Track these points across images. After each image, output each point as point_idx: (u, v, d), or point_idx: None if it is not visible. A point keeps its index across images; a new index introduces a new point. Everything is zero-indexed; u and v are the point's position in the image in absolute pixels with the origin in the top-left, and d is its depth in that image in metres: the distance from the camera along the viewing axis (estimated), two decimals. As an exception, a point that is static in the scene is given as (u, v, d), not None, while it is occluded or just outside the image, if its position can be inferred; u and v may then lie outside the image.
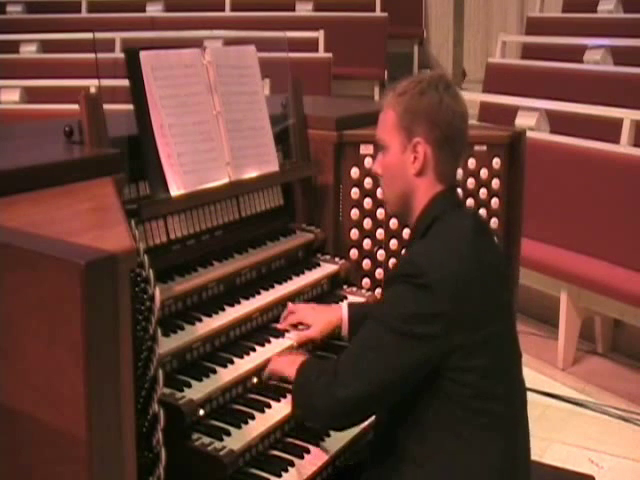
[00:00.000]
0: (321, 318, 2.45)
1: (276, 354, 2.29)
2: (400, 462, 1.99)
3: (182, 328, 2.18)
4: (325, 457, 2.14)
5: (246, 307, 2.36)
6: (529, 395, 2.12)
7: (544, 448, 3.59)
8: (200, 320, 2.23)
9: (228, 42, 5.96)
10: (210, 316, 2.26)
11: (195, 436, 1.98)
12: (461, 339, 1.89)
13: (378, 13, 8.13)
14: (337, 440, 2.20)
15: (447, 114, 2.01)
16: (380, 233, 2.85)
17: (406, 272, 1.95)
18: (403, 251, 2.83)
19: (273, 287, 2.51)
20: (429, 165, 2.03)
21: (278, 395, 2.22)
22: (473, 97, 6.05)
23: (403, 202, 2.10)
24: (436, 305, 1.88)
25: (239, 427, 2.06)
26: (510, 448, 1.99)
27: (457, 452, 1.93)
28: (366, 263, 2.86)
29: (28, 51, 7.29)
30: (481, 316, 1.94)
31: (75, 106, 2.08)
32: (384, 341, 1.92)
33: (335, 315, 2.48)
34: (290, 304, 2.50)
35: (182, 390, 2.02)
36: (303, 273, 2.65)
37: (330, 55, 6.97)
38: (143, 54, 2.28)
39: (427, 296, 1.89)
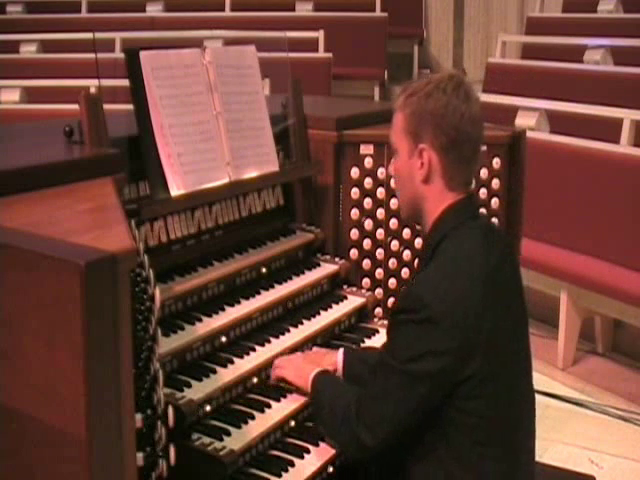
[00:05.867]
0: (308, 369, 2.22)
1: (280, 359, 2.27)
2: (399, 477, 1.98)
3: (182, 328, 2.18)
4: (325, 457, 2.13)
5: (246, 307, 2.36)
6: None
7: (544, 448, 3.58)
8: (200, 320, 2.23)
9: (228, 42, 5.95)
10: (210, 316, 2.26)
11: (195, 436, 1.98)
12: (473, 369, 1.83)
13: (378, 13, 8.12)
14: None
15: (454, 118, 1.89)
16: (380, 233, 2.85)
17: (406, 307, 1.86)
18: (406, 253, 2.85)
19: (273, 287, 2.50)
20: (436, 172, 1.94)
21: (278, 395, 2.22)
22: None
23: (413, 209, 2.02)
24: (442, 341, 1.80)
25: (239, 427, 2.06)
26: (511, 472, 1.94)
27: (456, 474, 1.90)
28: (366, 263, 2.86)
29: (28, 51, 7.28)
30: (495, 341, 1.86)
31: (75, 106, 2.08)
32: (400, 386, 1.86)
33: (328, 362, 2.32)
34: (276, 360, 2.27)
35: (182, 390, 2.02)
36: (303, 273, 2.65)
37: (330, 55, 6.96)
38: (143, 54, 2.28)
39: (431, 331, 1.81)
